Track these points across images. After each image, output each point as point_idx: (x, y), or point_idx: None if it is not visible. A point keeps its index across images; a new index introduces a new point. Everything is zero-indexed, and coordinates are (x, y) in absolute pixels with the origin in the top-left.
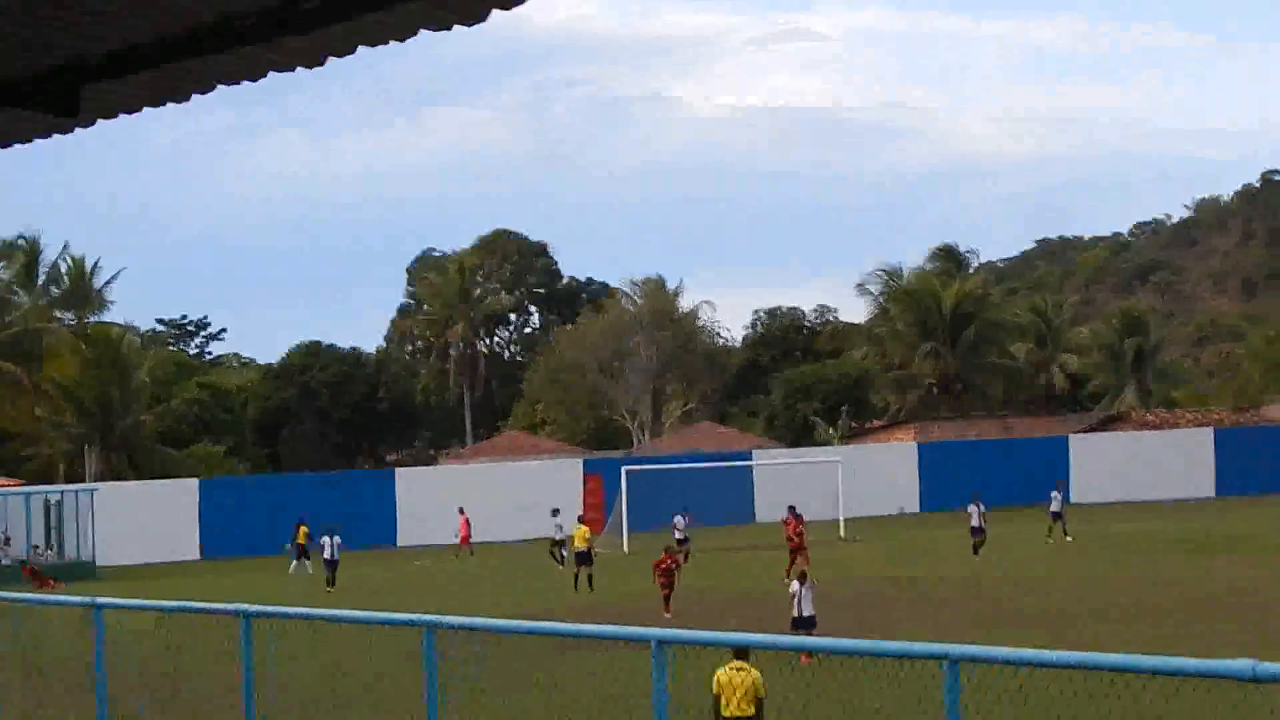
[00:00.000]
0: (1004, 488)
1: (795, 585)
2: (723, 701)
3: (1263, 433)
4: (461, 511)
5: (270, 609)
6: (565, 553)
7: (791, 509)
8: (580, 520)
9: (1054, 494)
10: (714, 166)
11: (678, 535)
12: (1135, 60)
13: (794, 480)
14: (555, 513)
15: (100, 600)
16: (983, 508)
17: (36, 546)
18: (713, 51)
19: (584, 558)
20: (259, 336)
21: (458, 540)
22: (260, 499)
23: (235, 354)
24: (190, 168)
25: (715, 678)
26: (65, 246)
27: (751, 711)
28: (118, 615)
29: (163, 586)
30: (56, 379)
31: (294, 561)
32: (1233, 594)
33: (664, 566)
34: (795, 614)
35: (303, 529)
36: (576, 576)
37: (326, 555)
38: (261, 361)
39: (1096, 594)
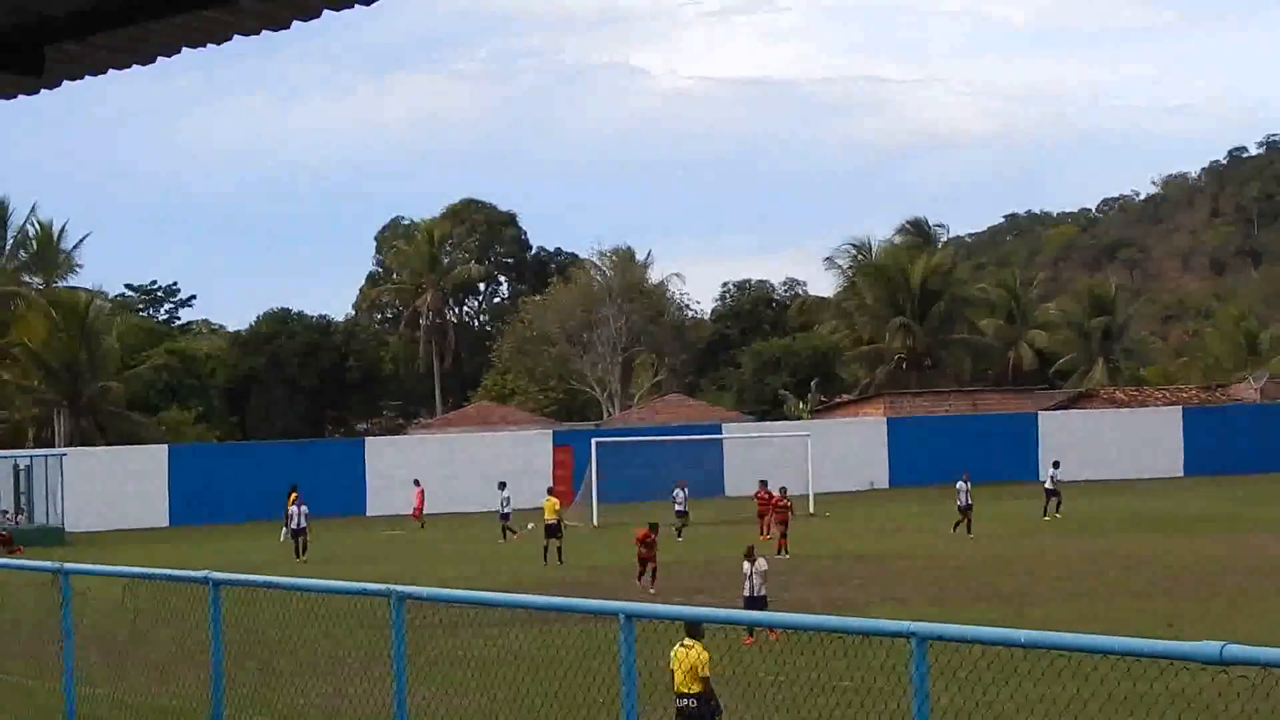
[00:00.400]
0: (973, 464)
1: (746, 565)
2: (675, 679)
3: (1230, 412)
4: (417, 483)
5: (238, 577)
6: (512, 525)
7: (762, 483)
8: (550, 492)
9: (1052, 471)
10: (681, 138)
11: (677, 508)
12: (1102, 35)
13: (763, 454)
14: (502, 486)
15: (67, 566)
16: (969, 484)
17: (5, 512)
18: (675, 22)
19: (553, 530)
20: (228, 304)
21: (412, 512)
22: (229, 466)
23: (205, 320)
24: (158, 131)
25: (673, 653)
26: (33, 209)
27: (697, 689)
28: (84, 581)
29: (131, 553)
30: (26, 343)
31: (285, 528)
32: (1200, 574)
33: (645, 539)
34: (746, 594)
35: (293, 494)
36: (546, 549)
37: (293, 525)
38: (231, 329)
39: (1064, 572)
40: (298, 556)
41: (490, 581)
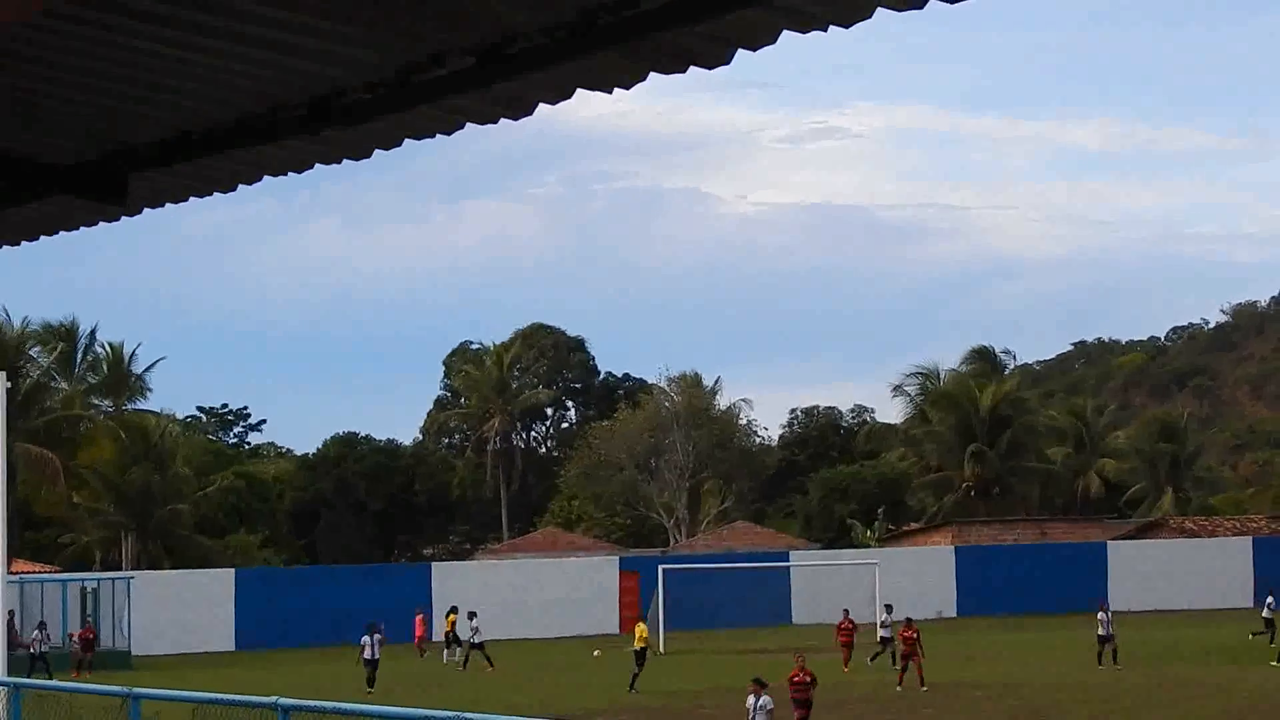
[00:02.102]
0: (1041, 593)
1: (750, 699)
2: None
3: None
4: (419, 611)
5: (306, 703)
6: (488, 654)
7: (845, 612)
8: (641, 619)
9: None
10: (749, 263)
11: (883, 634)
12: (1171, 162)
13: (831, 582)
14: (472, 616)
15: (137, 690)
16: (1109, 614)
17: (72, 635)
18: (746, 149)
19: (640, 657)
20: (297, 427)
21: (414, 640)
22: (296, 590)
23: (272, 444)
24: (232, 254)
25: None
26: (93, 331)
27: None
28: (154, 706)
29: (198, 677)
30: (94, 465)
31: (445, 649)
32: (1271, 704)
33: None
34: None
35: (451, 617)
36: (635, 678)
37: (366, 655)
38: (299, 452)
39: (1135, 701)
40: (369, 688)
41: (557, 708)
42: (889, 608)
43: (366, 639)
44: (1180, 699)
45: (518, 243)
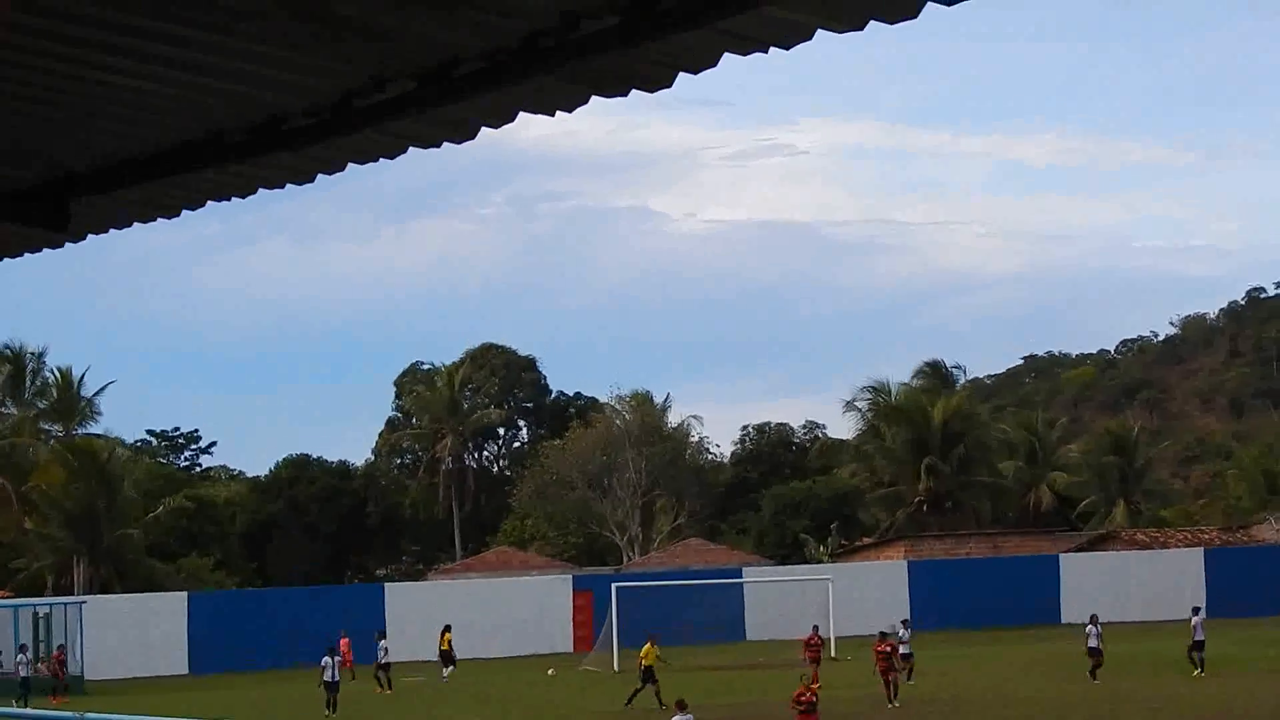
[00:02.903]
0: (994, 607)
1: (678, 716)
2: None
3: (1252, 553)
4: (343, 635)
5: None
6: (391, 675)
7: (815, 628)
8: (649, 639)
9: (1194, 620)
10: (699, 281)
11: (904, 650)
12: (1118, 176)
13: (785, 598)
14: (381, 635)
15: (89, 716)
16: (1099, 627)
17: (41, 662)
18: (694, 167)
19: (649, 674)
20: (248, 449)
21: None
22: (248, 613)
23: (224, 466)
24: (178, 277)
25: None
26: (41, 355)
27: None
28: None
29: (151, 701)
30: (44, 490)
31: (444, 669)
32: (1221, 717)
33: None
34: None
35: (446, 636)
36: (638, 692)
37: (327, 677)
38: (250, 474)
39: (1088, 714)
40: (328, 710)
41: None
42: (906, 623)
43: (327, 660)
44: (1131, 713)
45: (467, 263)
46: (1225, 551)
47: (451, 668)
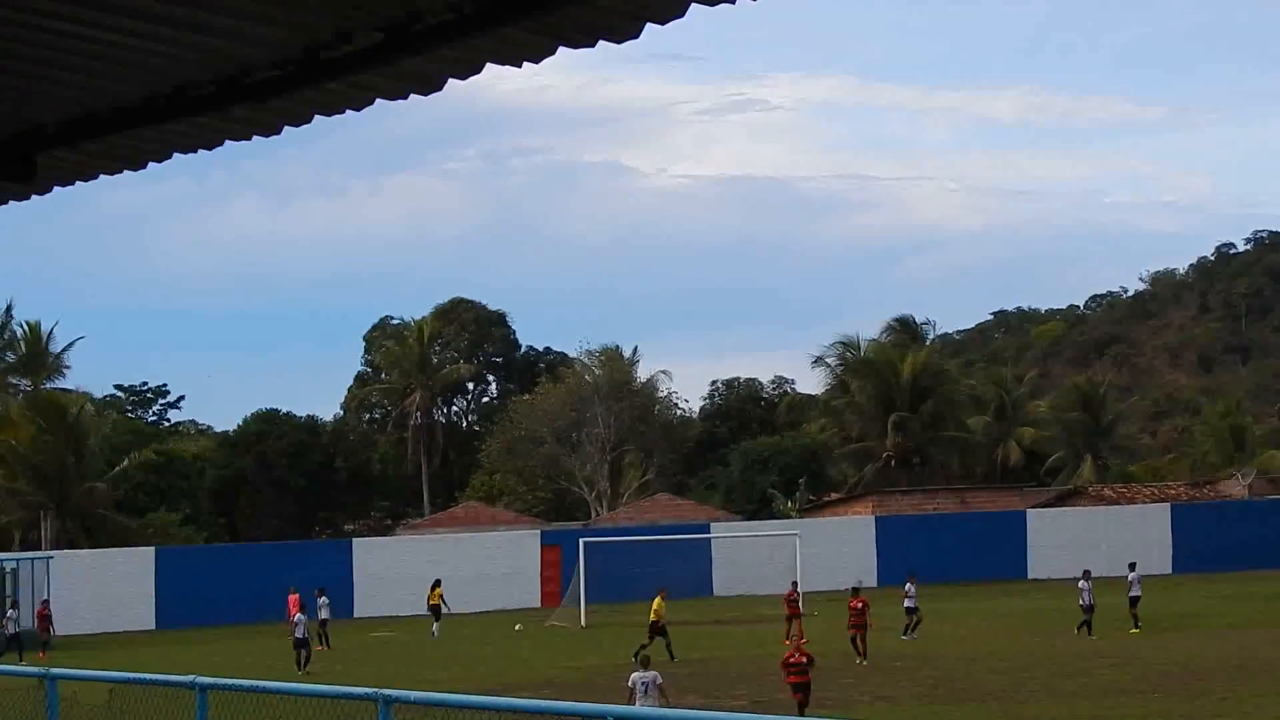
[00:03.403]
0: (962, 562)
1: (634, 676)
2: None
3: (1219, 509)
4: (292, 590)
5: (225, 681)
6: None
7: (794, 584)
8: (659, 593)
9: (1131, 576)
10: (669, 236)
11: (908, 604)
12: (1088, 132)
13: (753, 553)
14: (321, 592)
15: (53, 671)
16: (1091, 582)
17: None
18: (666, 122)
19: (657, 629)
20: (217, 404)
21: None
22: (217, 568)
23: (192, 421)
24: (147, 232)
25: None
26: (9, 309)
27: None
28: (71, 686)
29: (118, 657)
30: (12, 445)
31: (434, 624)
32: (1189, 672)
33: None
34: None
35: (437, 591)
36: (670, 646)
37: (297, 634)
38: (219, 429)
39: (1055, 670)
40: (299, 669)
41: (478, 683)
42: (913, 576)
43: (300, 617)
44: (1095, 667)
45: (437, 218)
46: (1192, 507)
47: (439, 623)
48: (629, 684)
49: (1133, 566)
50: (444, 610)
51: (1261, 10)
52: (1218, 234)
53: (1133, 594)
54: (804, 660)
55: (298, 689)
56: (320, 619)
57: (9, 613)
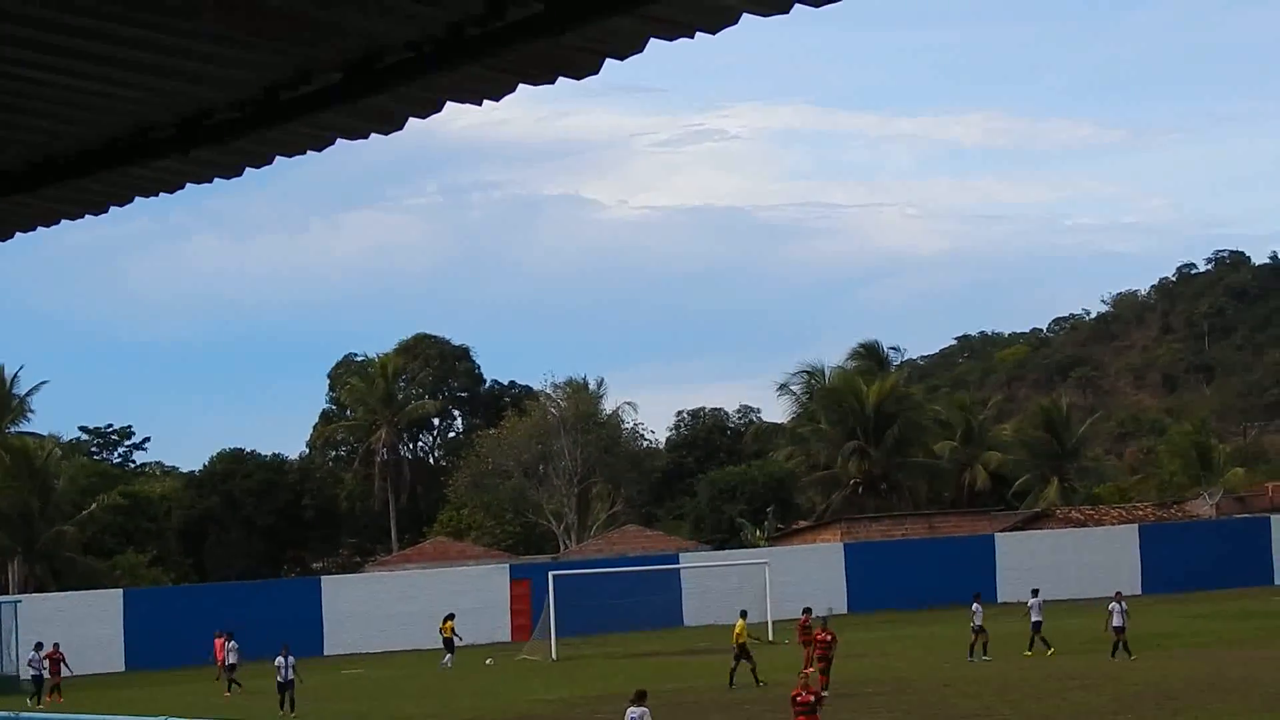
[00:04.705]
0: (931, 587)
1: (632, 711)
2: None
3: (1186, 529)
4: (218, 635)
5: None
6: (238, 678)
7: (806, 611)
8: (742, 615)
9: (1031, 602)
10: (632, 267)
11: (976, 623)
12: (1049, 155)
13: (722, 583)
14: (230, 636)
15: (24, 715)
16: (1124, 604)
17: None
18: (626, 153)
19: (743, 651)
20: (182, 444)
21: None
22: (185, 608)
23: (158, 462)
24: (109, 271)
25: None
26: None
27: None
28: None
29: (87, 699)
30: None
31: (446, 656)
32: (1161, 692)
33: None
34: None
35: (449, 623)
36: (755, 671)
37: (279, 677)
38: (185, 469)
39: (1028, 693)
40: (282, 710)
41: (452, 718)
42: (978, 596)
43: (280, 660)
44: (1069, 689)
45: (399, 253)
46: (1160, 528)
47: (451, 655)
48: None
49: (1035, 593)
50: (457, 642)
51: (1220, 33)
52: (1179, 255)
53: (1035, 619)
54: (812, 699)
55: None
56: (229, 663)
57: (31, 655)
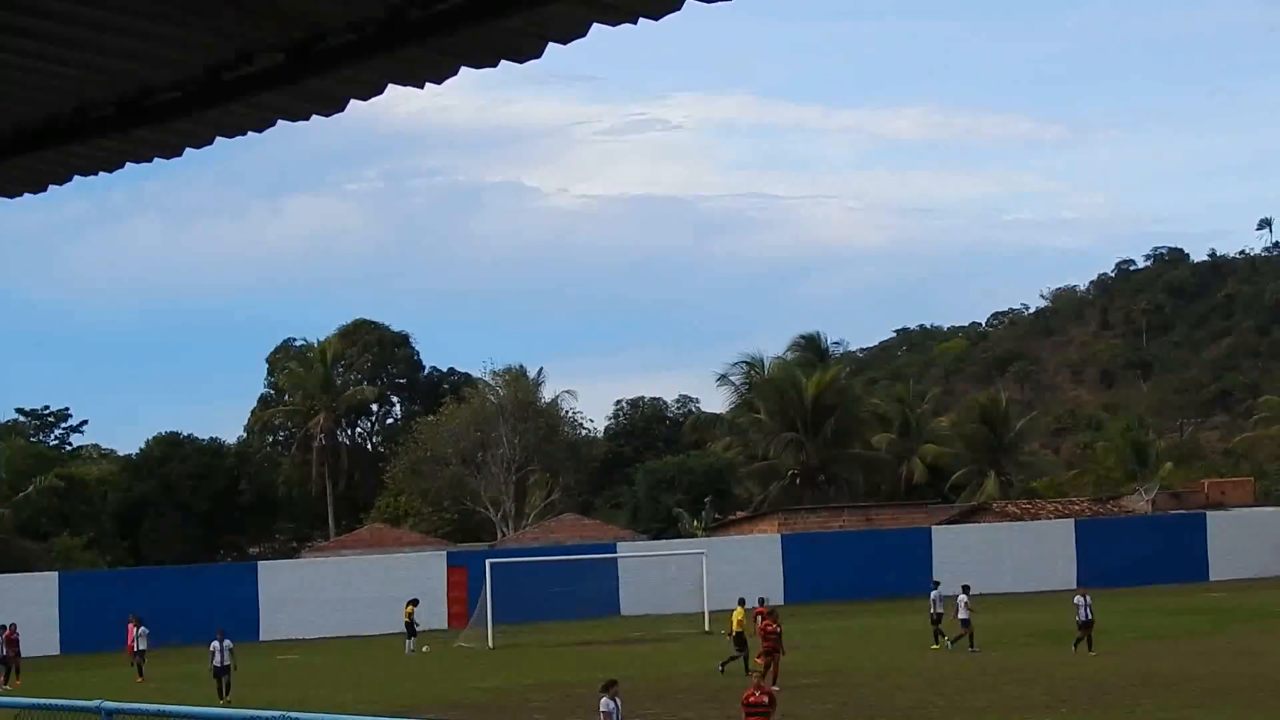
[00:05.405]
0: (868, 580)
1: (606, 702)
2: None
3: (1122, 524)
4: (130, 618)
5: (131, 706)
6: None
7: (761, 600)
8: (740, 603)
9: (1077, 599)
10: (572, 256)
11: (962, 615)
12: (989, 150)
13: (659, 572)
14: (139, 623)
15: None
16: (1089, 599)
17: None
18: (567, 142)
19: (740, 641)
20: (120, 427)
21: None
22: (121, 592)
23: (95, 445)
24: (48, 255)
25: None
26: None
27: None
28: None
29: (22, 682)
30: None
31: (408, 641)
32: (1095, 687)
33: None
34: None
35: (410, 609)
36: (732, 660)
37: (215, 662)
38: (121, 453)
39: (962, 686)
40: (220, 697)
41: (387, 704)
42: (966, 588)
43: (215, 645)
44: (1004, 683)
45: (339, 239)
46: (1096, 523)
47: (413, 639)
48: (601, 709)
49: (966, 589)
50: (416, 627)
51: (1159, 29)
52: (1118, 251)
53: (961, 616)
54: (764, 700)
55: (201, 713)
56: (138, 649)
57: None
